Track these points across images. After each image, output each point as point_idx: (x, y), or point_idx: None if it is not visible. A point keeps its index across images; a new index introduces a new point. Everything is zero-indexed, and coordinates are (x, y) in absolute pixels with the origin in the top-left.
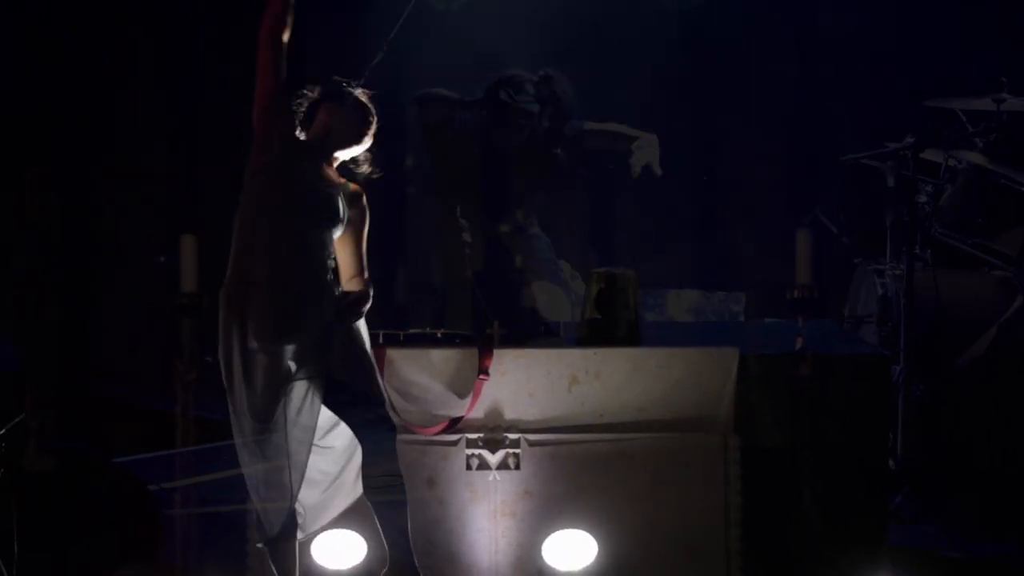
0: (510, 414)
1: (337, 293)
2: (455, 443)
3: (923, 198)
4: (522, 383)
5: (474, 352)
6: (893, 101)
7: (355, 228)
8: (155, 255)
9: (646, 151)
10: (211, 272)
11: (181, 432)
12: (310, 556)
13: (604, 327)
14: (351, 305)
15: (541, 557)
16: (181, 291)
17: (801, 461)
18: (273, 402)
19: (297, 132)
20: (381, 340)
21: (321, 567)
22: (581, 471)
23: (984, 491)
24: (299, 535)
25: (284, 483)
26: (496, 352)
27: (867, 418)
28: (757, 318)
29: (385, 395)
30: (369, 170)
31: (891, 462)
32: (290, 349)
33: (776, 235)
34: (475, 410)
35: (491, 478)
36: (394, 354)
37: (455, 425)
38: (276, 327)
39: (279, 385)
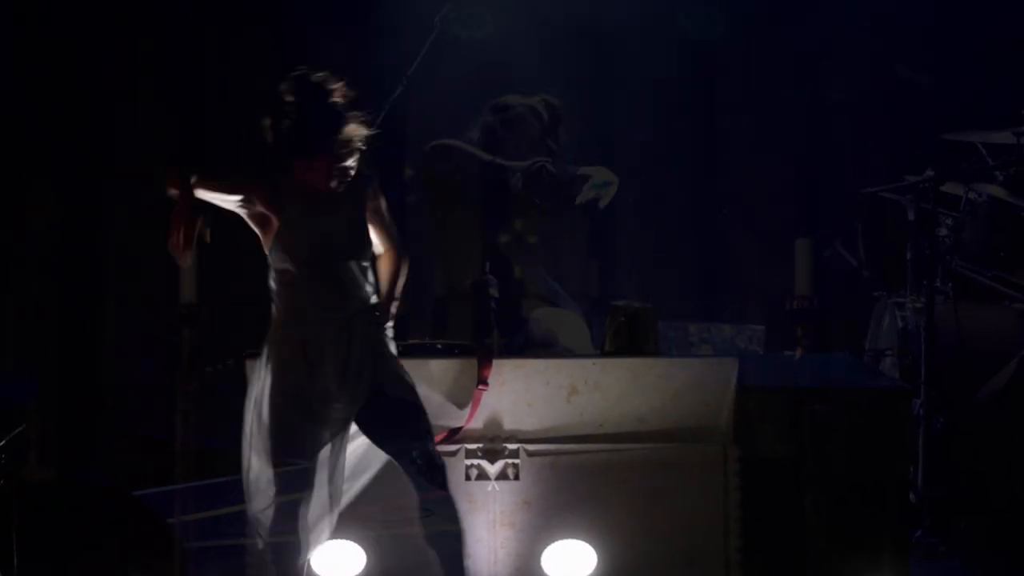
0: (509, 424)
1: None
2: (454, 453)
3: (943, 231)
4: (521, 393)
5: (473, 362)
6: (911, 132)
7: None
8: (156, 264)
9: (595, 189)
10: (210, 282)
11: (181, 444)
12: (310, 567)
13: None
14: None
15: (540, 567)
16: (181, 301)
17: (803, 474)
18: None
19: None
20: None
21: None
22: (580, 481)
23: (1005, 525)
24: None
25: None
26: (495, 362)
27: (873, 445)
28: (777, 351)
29: None
30: None
31: (912, 496)
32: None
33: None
34: (474, 420)
35: (490, 488)
36: None
37: (454, 435)
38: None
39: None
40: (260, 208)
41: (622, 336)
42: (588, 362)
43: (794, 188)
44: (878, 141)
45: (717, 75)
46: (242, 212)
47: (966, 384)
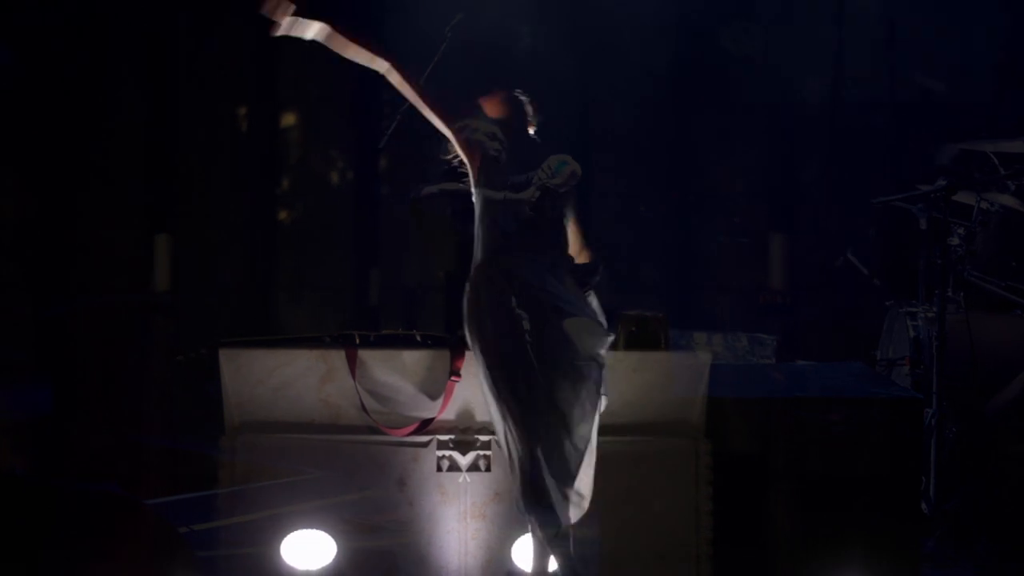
0: (481, 416)
1: None
2: (426, 444)
3: (955, 240)
4: None
5: (446, 353)
6: (923, 141)
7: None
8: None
9: (550, 171)
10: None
11: (149, 435)
12: (279, 557)
13: None
14: None
15: (511, 559)
16: (155, 289)
17: (773, 470)
18: None
19: None
20: (358, 341)
21: (291, 568)
22: None
23: (1017, 534)
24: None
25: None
26: (468, 354)
27: (843, 444)
28: (789, 360)
29: (357, 395)
30: None
31: (924, 505)
32: None
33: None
34: (446, 412)
35: (461, 480)
36: (366, 355)
37: (426, 426)
38: None
39: None
40: None
41: (635, 344)
42: None
43: (797, 192)
44: (888, 148)
45: (718, 74)
46: None
47: (978, 393)
